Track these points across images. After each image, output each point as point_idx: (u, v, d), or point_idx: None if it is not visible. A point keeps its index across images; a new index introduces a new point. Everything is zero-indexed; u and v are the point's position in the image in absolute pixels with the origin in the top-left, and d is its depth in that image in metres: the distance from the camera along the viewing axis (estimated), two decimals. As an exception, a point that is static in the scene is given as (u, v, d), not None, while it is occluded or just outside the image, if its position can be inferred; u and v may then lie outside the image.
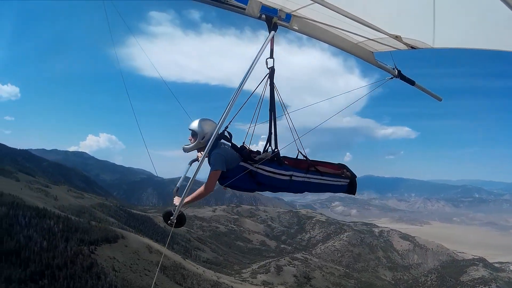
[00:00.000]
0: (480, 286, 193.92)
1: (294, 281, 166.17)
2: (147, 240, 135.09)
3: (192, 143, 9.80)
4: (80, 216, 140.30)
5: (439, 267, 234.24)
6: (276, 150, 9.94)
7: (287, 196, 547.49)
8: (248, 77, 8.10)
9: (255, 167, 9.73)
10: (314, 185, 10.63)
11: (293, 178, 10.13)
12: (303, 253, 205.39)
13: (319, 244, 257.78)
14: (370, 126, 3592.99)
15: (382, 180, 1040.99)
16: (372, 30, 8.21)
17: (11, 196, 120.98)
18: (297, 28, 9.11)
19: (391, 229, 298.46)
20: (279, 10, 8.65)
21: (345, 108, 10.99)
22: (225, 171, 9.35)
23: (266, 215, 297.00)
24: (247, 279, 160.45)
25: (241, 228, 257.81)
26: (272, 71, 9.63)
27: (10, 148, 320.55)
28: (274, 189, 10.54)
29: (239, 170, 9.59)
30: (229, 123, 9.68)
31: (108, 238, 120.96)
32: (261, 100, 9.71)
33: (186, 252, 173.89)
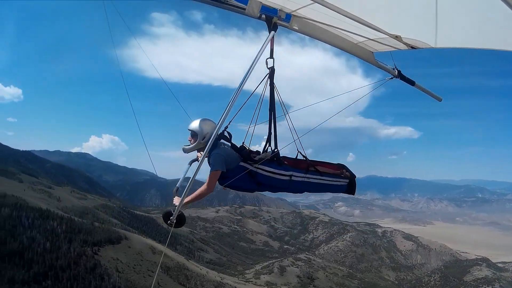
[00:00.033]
0: (484, 286, 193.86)
1: (298, 281, 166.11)
2: (150, 241, 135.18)
3: (192, 143, 9.77)
4: (83, 217, 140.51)
5: (442, 267, 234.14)
6: (276, 150, 9.92)
7: (290, 197, 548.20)
8: (248, 77, 8.09)
9: (255, 167, 9.71)
10: (313, 185, 10.61)
11: (293, 178, 10.10)
12: (306, 254, 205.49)
13: (322, 245, 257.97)
14: (373, 126, 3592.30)
15: (385, 180, 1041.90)
16: (372, 30, 8.17)
17: (14, 197, 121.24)
18: (297, 28, 9.08)
19: (394, 230, 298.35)
20: (279, 10, 8.62)
21: (343, 109, 10.94)
22: (225, 171, 9.33)
23: (269, 216, 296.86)
24: (251, 279, 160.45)
25: (244, 229, 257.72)
26: (272, 71, 9.59)
27: (13, 149, 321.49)
28: (274, 189, 10.53)
29: (239, 170, 9.55)
30: (229, 123, 9.66)
31: (111, 239, 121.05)
32: (261, 100, 9.70)
33: (189, 253, 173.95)
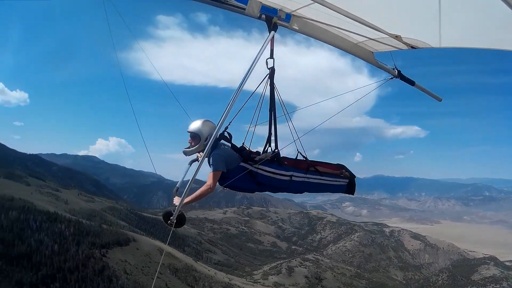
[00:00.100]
0: (491, 285, 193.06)
1: (306, 282, 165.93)
2: (158, 243, 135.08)
3: (192, 146, 9.79)
4: (91, 220, 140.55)
5: (450, 266, 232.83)
6: (276, 150, 9.98)
7: (298, 197, 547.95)
8: (247, 78, 8.12)
9: (255, 167, 9.74)
10: (313, 185, 10.69)
11: (293, 178, 10.17)
12: (314, 254, 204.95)
13: (330, 245, 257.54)
14: (379, 126, 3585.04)
15: (392, 179, 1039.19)
16: (372, 30, 8.26)
17: (22, 201, 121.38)
18: (297, 28, 9.15)
19: (402, 229, 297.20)
20: (279, 10, 8.69)
21: (342, 110, 10.99)
22: (225, 171, 9.37)
23: (277, 217, 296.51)
24: (259, 280, 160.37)
25: (252, 230, 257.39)
26: (272, 71, 9.62)
27: (20, 153, 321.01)
28: (274, 189, 10.61)
29: (239, 170, 9.59)
30: (229, 124, 9.64)
31: (119, 241, 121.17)
32: (261, 100, 9.74)
33: (197, 254, 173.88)
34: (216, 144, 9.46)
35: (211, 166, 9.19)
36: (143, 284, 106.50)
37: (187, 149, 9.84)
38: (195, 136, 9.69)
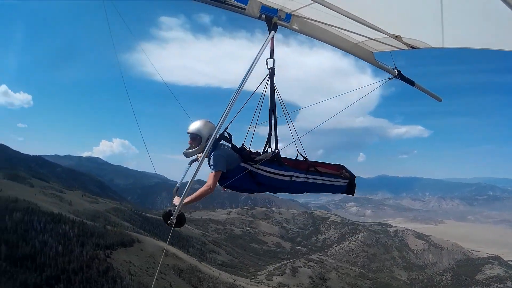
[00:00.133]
0: (495, 284, 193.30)
1: (310, 282, 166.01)
2: (162, 244, 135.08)
3: (193, 147, 9.73)
4: (95, 221, 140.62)
5: (454, 266, 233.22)
6: (276, 150, 9.93)
7: (302, 198, 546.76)
8: (247, 78, 8.13)
9: (255, 167, 9.70)
10: (313, 186, 10.65)
11: (293, 178, 10.13)
12: (318, 254, 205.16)
13: (334, 245, 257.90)
14: (383, 126, 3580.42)
15: (396, 179, 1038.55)
16: (372, 30, 8.22)
17: (26, 202, 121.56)
18: (297, 28, 9.13)
19: (406, 229, 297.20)
20: (279, 10, 8.66)
21: (340, 111, 10.89)
22: (225, 172, 9.34)
23: (281, 217, 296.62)
24: (263, 281, 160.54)
25: (256, 230, 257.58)
26: (272, 71, 9.58)
27: (23, 154, 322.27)
28: (274, 190, 10.59)
29: (239, 171, 9.56)
30: (229, 124, 9.56)
31: (123, 242, 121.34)
32: (261, 100, 9.69)
33: (201, 255, 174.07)
34: (216, 144, 9.41)
35: (211, 166, 9.16)
36: (148, 285, 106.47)
37: (187, 151, 9.80)
38: (195, 137, 9.63)
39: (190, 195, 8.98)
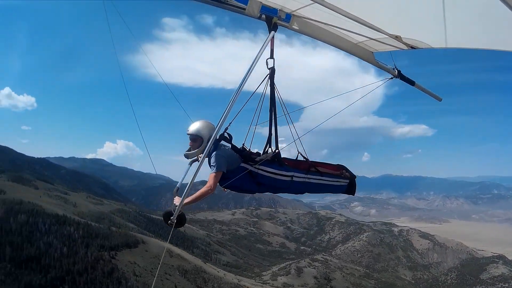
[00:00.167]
0: (500, 283, 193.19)
1: (315, 282, 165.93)
2: (167, 245, 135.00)
3: (194, 148, 9.70)
4: (100, 222, 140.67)
5: (459, 265, 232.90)
6: (276, 151, 9.95)
7: (306, 198, 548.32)
8: (247, 78, 8.17)
9: (256, 168, 9.70)
10: (314, 186, 10.69)
11: (294, 179, 10.17)
12: (323, 254, 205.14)
13: (339, 245, 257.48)
14: (387, 125, 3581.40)
15: (400, 179, 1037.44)
16: (372, 30, 8.30)
17: (31, 204, 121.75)
18: (297, 28, 9.16)
19: (411, 228, 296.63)
20: (279, 10, 8.70)
21: (340, 111, 11.14)
22: (225, 172, 9.32)
23: (286, 217, 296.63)
24: (268, 281, 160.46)
25: (261, 231, 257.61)
26: (272, 71, 9.61)
27: (28, 156, 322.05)
28: (275, 190, 10.60)
29: (240, 171, 9.57)
30: (229, 125, 9.57)
31: (128, 243, 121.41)
32: (261, 100, 9.71)
33: (206, 256, 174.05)
34: (216, 145, 9.42)
35: (211, 167, 9.17)
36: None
37: (188, 152, 9.80)
38: (196, 138, 9.61)
39: (190, 195, 8.95)
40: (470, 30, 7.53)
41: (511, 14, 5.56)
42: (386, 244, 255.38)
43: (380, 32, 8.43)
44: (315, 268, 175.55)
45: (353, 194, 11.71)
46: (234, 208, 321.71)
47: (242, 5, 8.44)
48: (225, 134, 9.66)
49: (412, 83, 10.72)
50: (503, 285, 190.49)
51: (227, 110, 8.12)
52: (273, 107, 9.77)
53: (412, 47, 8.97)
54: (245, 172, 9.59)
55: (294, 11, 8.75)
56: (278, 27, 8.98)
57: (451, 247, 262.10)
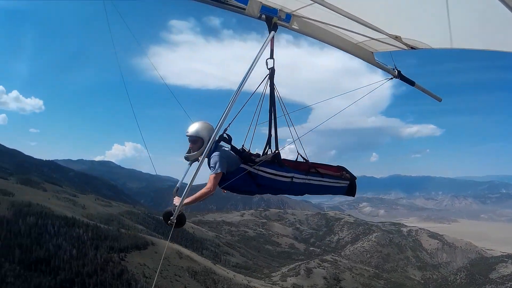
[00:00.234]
0: (509, 283, 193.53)
1: (324, 283, 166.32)
2: (176, 246, 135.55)
3: (194, 150, 9.67)
4: (109, 224, 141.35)
5: (468, 265, 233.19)
6: (276, 151, 9.90)
7: (315, 199, 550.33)
8: (247, 78, 8.24)
9: (256, 168, 9.69)
10: (314, 187, 10.68)
11: (294, 180, 10.15)
12: (332, 255, 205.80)
13: (348, 246, 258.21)
14: (395, 125, 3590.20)
15: (409, 179, 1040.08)
16: (372, 30, 8.36)
17: (39, 206, 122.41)
18: (297, 28, 9.24)
19: (420, 228, 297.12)
20: (279, 10, 8.74)
21: (340, 112, 11.11)
22: (225, 173, 9.33)
23: (294, 218, 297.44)
24: (277, 282, 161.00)
25: (270, 232, 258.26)
26: (272, 71, 9.61)
27: (36, 159, 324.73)
28: (275, 191, 10.61)
29: (239, 172, 9.58)
30: (229, 126, 9.57)
31: (138, 245, 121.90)
32: (261, 101, 9.69)
33: (215, 257, 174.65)
34: (215, 145, 9.46)
35: (211, 168, 9.23)
36: (162, 287, 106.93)
37: (189, 154, 9.77)
38: (196, 140, 9.64)
39: (191, 195, 9.08)
40: (470, 31, 7.61)
41: (511, 15, 5.56)
42: (395, 244, 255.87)
43: (380, 32, 8.49)
44: (324, 269, 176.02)
45: (353, 196, 11.68)
46: (243, 209, 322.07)
47: (242, 5, 8.49)
48: (225, 135, 9.68)
49: (412, 83, 10.75)
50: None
51: (226, 110, 8.24)
52: (273, 108, 9.78)
53: (412, 48, 9.03)
54: (245, 173, 9.62)
55: (294, 11, 8.83)
56: (278, 27, 9.03)
57: (460, 246, 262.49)
